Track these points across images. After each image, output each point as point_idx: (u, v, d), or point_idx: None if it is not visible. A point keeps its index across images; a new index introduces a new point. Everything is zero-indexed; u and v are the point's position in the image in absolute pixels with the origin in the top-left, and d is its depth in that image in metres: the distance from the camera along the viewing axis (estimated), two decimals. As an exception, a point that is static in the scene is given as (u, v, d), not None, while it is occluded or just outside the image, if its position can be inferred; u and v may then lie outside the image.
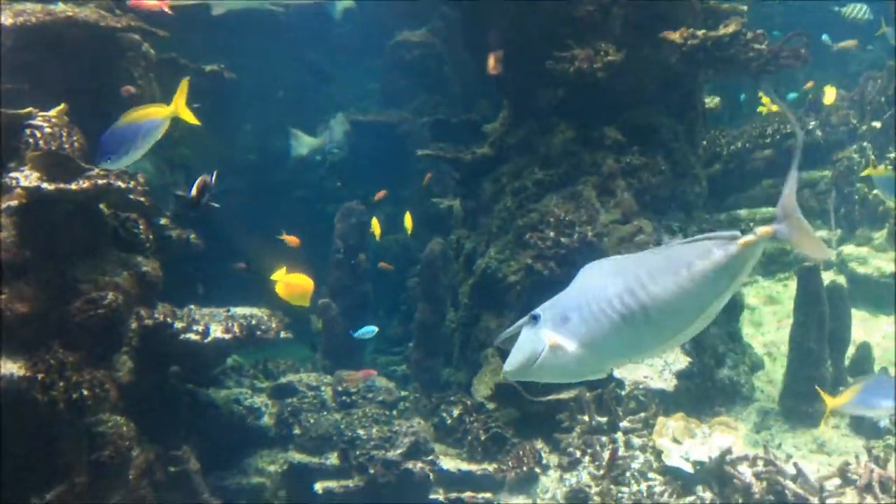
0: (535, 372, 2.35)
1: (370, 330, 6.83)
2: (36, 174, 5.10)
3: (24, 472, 4.92)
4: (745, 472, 4.97)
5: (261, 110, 12.16)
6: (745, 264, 2.30)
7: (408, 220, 8.63)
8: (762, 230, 2.28)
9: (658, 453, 5.32)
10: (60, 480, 4.94)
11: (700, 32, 6.95)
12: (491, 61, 8.13)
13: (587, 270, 2.45)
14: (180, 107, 4.09)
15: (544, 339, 2.30)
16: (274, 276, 5.14)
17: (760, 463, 5.00)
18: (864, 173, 5.16)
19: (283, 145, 11.85)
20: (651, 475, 5.22)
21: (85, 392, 4.96)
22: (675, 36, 6.95)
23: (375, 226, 8.52)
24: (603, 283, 2.34)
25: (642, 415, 5.66)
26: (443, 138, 8.68)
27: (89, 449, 5.06)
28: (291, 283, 5.06)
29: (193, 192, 4.40)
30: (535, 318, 2.35)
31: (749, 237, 2.26)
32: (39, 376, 4.84)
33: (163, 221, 6.10)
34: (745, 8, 7.64)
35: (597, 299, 2.32)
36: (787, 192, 2.33)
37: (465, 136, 8.78)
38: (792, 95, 12.28)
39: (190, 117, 4.12)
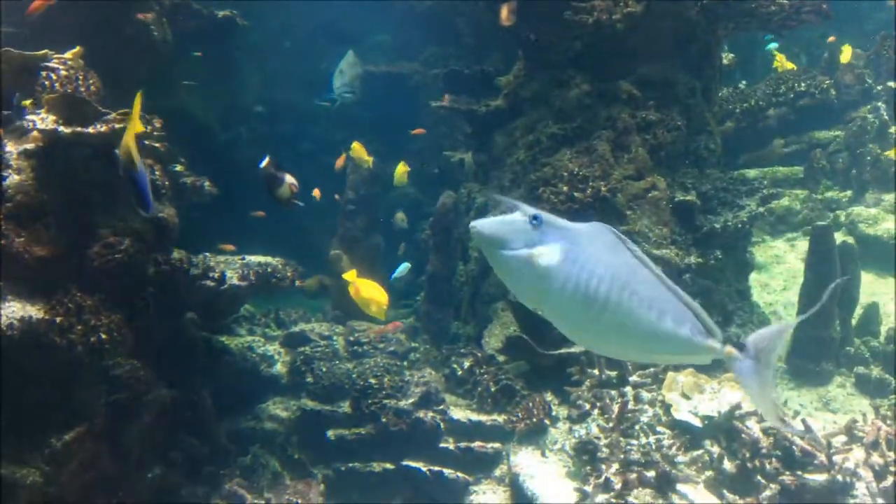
0: (496, 257, 2.40)
1: (404, 266, 6.83)
2: (52, 117, 5.08)
3: (43, 413, 4.99)
4: (754, 427, 5.04)
5: (268, 60, 12.01)
6: (695, 357, 2.40)
7: (400, 172, 8.47)
8: (728, 350, 2.34)
9: (667, 407, 5.38)
10: (79, 422, 5.03)
11: (721, -15, 6.84)
12: (504, 11, 8.01)
13: (596, 230, 2.47)
14: (130, 133, 4.00)
15: (531, 248, 2.36)
16: (347, 277, 5.13)
17: (769, 418, 5.06)
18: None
19: (287, 98, 11.72)
20: (660, 429, 5.28)
21: (103, 335, 5.01)
22: (696, -13, 6.85)
23: (360, 151, 8.25)
24: (600, 255, 2.39)
25: (652, 370, 5.71)
26: (455, 90, 8.58)
27: (107, 392, 5.14)
28: (368, 297, 5.05)
29: (285, 189, 4.46)
30: (537, 220, 2.38)
31: (715, 346, 2.33)
32: (58, 319, 4.88)
33: (178, 168, 6.08)
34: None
35: (589, 262, 2.37)
36: (768, 334, 2.37)
37: (478, 89, 8.68)
38: (772, 45, 12.09)
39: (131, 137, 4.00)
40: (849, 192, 9.83)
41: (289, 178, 4.40)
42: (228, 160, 9.19)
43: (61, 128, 4.95)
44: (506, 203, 2.45)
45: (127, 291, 5.23)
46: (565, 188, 6.74)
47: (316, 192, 7.60)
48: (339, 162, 8.86)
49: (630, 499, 4.76)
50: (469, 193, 8.23)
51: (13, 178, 5.04)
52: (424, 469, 5.63)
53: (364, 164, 8.37)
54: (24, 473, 4.92)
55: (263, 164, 4.45)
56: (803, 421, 4.98)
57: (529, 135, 7.52)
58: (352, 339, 6.70)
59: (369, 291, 5.00)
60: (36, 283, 5.01)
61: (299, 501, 5.26)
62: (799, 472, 4.69)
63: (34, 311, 4.87)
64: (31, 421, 4.98)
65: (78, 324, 4.94)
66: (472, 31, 10.21)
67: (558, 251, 2.38)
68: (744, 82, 11.94)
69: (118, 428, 5.14)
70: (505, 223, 2.40)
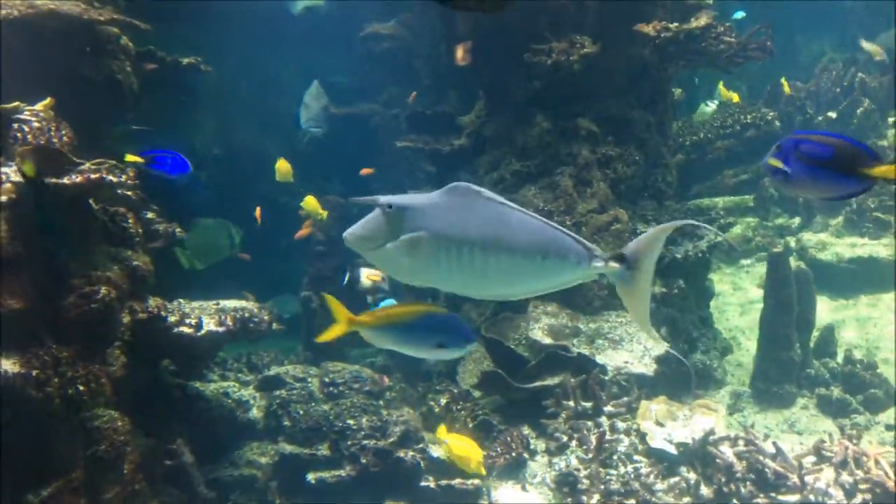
0: (370, 254, 2.55)
1: (389, 302, 6.88)
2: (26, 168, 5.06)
3: (20, 469, 4.88)
4: (727, 451, 5.21)
5: (225, 104, 12.03)
6: (578, 279, 2.58)
7: (282, 168, 8.36)
8: (611, 266, 2.50)
9: (643, 436, 5.53)
10: (57, 476, 4.92)
11: (673, 25, 7.17)
12: (460, 52, 8.24)
13: (456, 194, 2.54)
14: None
15: (397, 239, 2.48)
16: (440, 435, 5.11)
17: (741, 443, 5.24)
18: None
19: (245, 139, 11.73)
20: (637, 457, 5.43)
21: (80, 387, 4.95)
22: (649, 29, 7.16)
23: (313, 204, 8.28)
24: (465, 220, 2.47)
25: (625, 399, 5.87)
26: (418, 130, 8.74)
27: (85, 444, 5.05)
28: (464, 454, 5.04)
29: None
30: (391, 208, 2.49)
31: (600, 265, 2.49)
32: (34, 373, 4.81)
33: (150, 215, 6.07)
34: (710, 1, 7.88)
35: (455, 233, 2.46)
36: (644, 242, 2.57)
37: (438, 128, 8.87)
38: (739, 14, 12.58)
39: None
40: (797, 219, 10.23)
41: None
42: (190, 203, 9.16)
43: (35, 179, 4.92)
44: (366, 200, 2.59)
45: (103, 341, 5.19)
46: (532, 224, 6.92)
47: (257, 213, 7.74)
48: (302, 233, 8.89)
49: (613, 528, 4.87)
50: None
51: (-16, 231, 4.99)
52: (406, 509, 5.65)
53: (318, 216, 8.42)
54: (0, 532, 4.80)
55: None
56: (774, 443, 5.17)
57: (493, 172, 7.72)
58: (327, 380, 6.69)
59: (463, 449, 5.00)
60: (11, 336, 4.93)
61: (283, 547, 5.24)
62: (773, 494, 4.86)
63: (9, 366, 4.78)
64: (9, 476, 4.87)
65: (55, 376, 4.87)
66: (430, 71, 10.42)
67: (423, 235, 2.48)
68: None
69: (97, 480, 5.04)
70: (368, 222, 2.52)
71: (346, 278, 5.32)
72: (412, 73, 11.19)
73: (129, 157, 4.95)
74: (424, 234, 2.47)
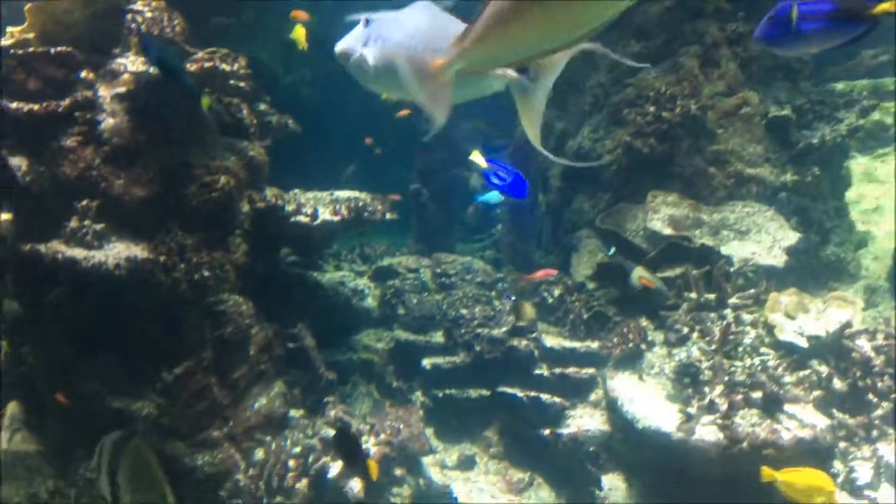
0: (348, 67, 2.87)
1: (495, 196, 6.74)
2: (142, 59, 5.11)
3: (154, 349, 5.17)
4: (865, 345, 4.90)
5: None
6: (491, 87, 2.67)
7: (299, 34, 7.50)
8: (511, 74, 2.57)
9: (770, 328, 5.27)
10: (188, 356, 5.19)
11: None
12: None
13: (414, 7, 2.77)
14: None
15: (360, 47, 2.81)
16: (782, 477, 4.43)
17: (880, 337, 4.91)
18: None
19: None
20: (764, 350, 5.18)
21: (206, 273, 5.12)
22: None
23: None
24: (413, 27, 2.65)
25: (752, 291, 5.58)
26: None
27: (212, 327, 5.27)
28: (814, 484, 4.26)
29: None
30: (367, 22, 2.83)
31: (500, 73, 2.56)
32: (161, 258, 5.00)
33: (263, 106, 6.08)
34: None
35: (396, 34, 2.69)
36: (551, 61, 2.53)
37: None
38: None
39: None
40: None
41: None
42: (294, 100, 9.18)
43: (152, 69, 4.97)
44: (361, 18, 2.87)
45: (225, 229, 5.32)
46: (652, 108, 6.53)
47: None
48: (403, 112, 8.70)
49: (736, 420, 4.71)
50: (548, 121, 8.05)
51: (108, 122, 5.12)
52: (521, 395, 5.66)
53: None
54: (139, 406, 5.13)
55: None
56: (918, 337, 4.80)
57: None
58: (439, 270, 6.71)
59: (810, 479, 4.25)
60: (138, 224, 5.12)
61: (401, 426, 5.38)
62: (916, 389, 4.54)
63: (139, 252, 4.99)
64: (143, 357, 5.17)
65: (181, 262, 5.05)
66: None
67: (378, 42, 2.77)
68: None
69: (224, 361, 5.29)
70: (350, 36, 2.86)
71: (613, 251, 5.32)
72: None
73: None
74: (374, 46, 2.76)
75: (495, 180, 4.19)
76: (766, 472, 4.08)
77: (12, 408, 5.50)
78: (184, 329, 5.20)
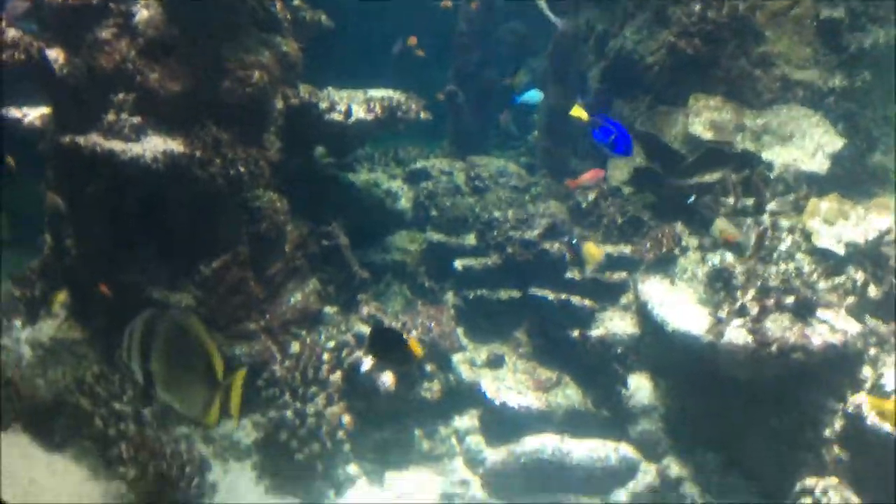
0: None
1: (534, 95, 6.55)
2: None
3: (191, 243, 5.28)
4: (904, 253, 4.81)
5: None
6: None
7: None
8: None
9: (807, 235, 5.19)
10: (224, 250, 5.30)
11: None
12: None
13: None
14: None
15: None
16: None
17: (921, 244, 4.82)
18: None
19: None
20: (799, 256, 5.13)
21: (241, 168, 5.17)
22: None
23: None
24: None
25: (791, 197, 5.48)
26: None
27: (248, 223, 5.35)
28: None
29: None
30: None
31: None
32: (198, 153, 5.05)
33: (296, 2, 5.97)
34: None
35: None
36: None
37: None
38: None
39: None
40: None
41: None
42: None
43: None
44: None
45: (259, 125, 5.32)
46: (698, 8, 6.28)
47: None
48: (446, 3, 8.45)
49: (767, 323, 4.70)
50: (588, 21, 7.79)
51: (143, 14, 5.09)
52: (551, 297, 5.69)
53: None
54: (178, 298, 5.29)
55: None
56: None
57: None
58: (472, 174, 6.67)
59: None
60: (173, 118, 5.15)
61: (433, 324, 5.47)
62: (954, 297, 4.48)
63: (175, 146, 5.04)
64: (181, 250, 5.29)
65: (217, 157, 5.10)
66: None
67: None
68: None
69: (260, 256, 5.39)
70: None
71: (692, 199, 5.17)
72: None
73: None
74: None
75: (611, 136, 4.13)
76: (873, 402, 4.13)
77: (60, 297, 5.70)
78: (220, 224, 5.29)
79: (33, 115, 5.95)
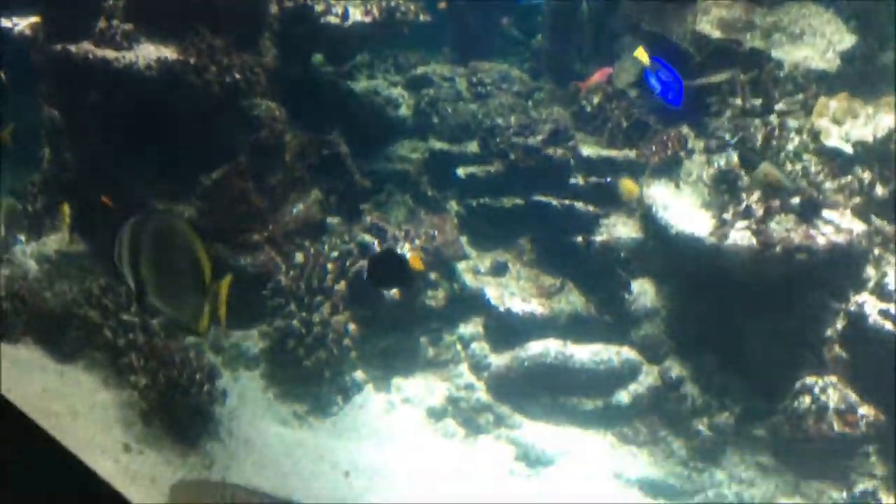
0: None
1: None
2: None
3: (191, 154, 5.22)
4: (913, 150, 4.73)
5: None
6: None
7: None
8: None
9: (815, 134, 5.11)
10: (224, 160, 5.24)
11: None
12: None
13: None
14: None
15: None
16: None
17: (931, 141, 4.73)
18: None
19: None
20: (806, 156, 5.05)
21: (237, 75, 5.06)
22: None
23: None
24: None
25: (800, 96, 5.36)
26: None
27: (246, 132, 5.27)
28: None
29: None
30: None
31: None
32: (192, 60, 4.93)
33: None
34: None
35: None
36: None
37: None
38: None
39: None
40: None
41: None
42: None
43: None
44: None
45: (254, 30, 5.18)
46: None
47: None
48: None
49: (771, 224, 4.67)
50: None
51: (128, -86, 4.89)
52: (555, 203, 5.66)
53: None
54: (181, 209, 5.27)
55: None
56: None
57: None
58: (474, 79, 6.53)
59: None
60: (165, 25, 5.02)
61: (436, 233, 5.46)
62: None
63: (168, 53, 4.93)
64: (181, 162, 5.23)
65: (212, 64, 4.98)
66: None
67: None
68: None
69: (261, 166, 5.33)
70: None
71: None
72: None
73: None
74: None
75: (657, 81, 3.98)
76: None
77: (65, 211, 5.69)
78: (219, 134, 5.22)
79: (23, 24, 5.80)
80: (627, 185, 5.42)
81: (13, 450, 1.56)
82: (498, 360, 5.39)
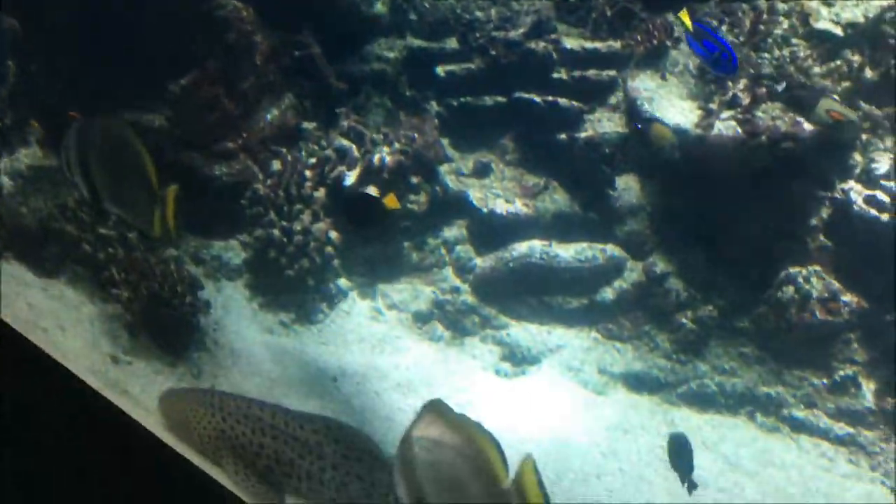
0: None
1: None
2: None
3: (159, 61, 5.03)
4: (905, 30, 4.54)
5: None
6: None
7: None
8: None
9: (805, 17, 4.90)
10: (192, 65, 5.06)
11: None
12: None
13: None
14: None
15: None
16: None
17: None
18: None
19: None
20: (795, 41, 4.86)
21: (198, -26, 4.81)
22: None
23: None
24: None
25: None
26: None
27: (214, 35, 5.07)
28: None
29: None
30: None
31: None
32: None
33: None
34: None
35: None
36: None
37: None
38: None
39: None
40: None
41: None
42: None
43: None
44: None
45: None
46: None
47: None
48: None
49: (758, 113, 4.54)
50: None
51: None
52: (538, 99, 5.50)
53: None
54: (151, 118, 5.14)
55: None
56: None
57: None
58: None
59: None
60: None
61: (416, 135, 5.32)
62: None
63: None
64: (149, 70, 5.05)
65: (171, -37, 4.74)
66: None
67: None
68: None
69: (231, 70, 5.16)
70: None
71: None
72: None
73: None
74: None
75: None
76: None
77: (34, 125, 5.55)
78: (185, 38, 5.02)
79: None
80: (661, 129, 5.23)
81: (9, 368, 1.55)
82: (483, 262, 5.37)
